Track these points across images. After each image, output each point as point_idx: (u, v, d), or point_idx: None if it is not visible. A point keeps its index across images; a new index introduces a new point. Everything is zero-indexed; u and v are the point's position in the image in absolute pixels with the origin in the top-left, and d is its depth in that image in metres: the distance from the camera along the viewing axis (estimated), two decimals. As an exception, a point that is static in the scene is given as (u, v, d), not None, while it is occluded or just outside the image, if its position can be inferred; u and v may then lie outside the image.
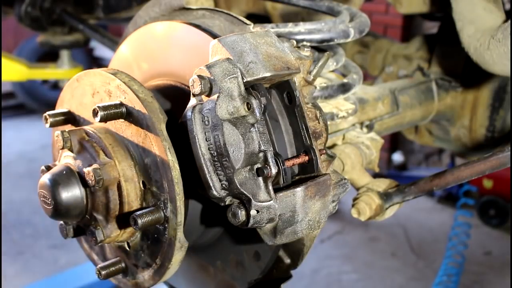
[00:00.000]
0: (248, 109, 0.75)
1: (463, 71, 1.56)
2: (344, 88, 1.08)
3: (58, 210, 0.84)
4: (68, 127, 0.94)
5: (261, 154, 0.75)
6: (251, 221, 0.75)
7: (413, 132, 1.79)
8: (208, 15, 0.96)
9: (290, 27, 1.01)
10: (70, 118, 0.95)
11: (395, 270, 3.86)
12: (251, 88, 0.75)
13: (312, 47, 1.03)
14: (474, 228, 3.52)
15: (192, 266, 1.11)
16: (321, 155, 0.81)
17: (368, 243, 4.28)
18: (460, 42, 1.20)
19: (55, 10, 2.88)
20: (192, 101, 0.78)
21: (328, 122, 1.03)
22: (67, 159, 0.89)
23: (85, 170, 0.83)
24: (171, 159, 0.79)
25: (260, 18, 1.77)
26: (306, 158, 0.79)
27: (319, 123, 0.82)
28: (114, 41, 2.92)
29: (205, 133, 0.76)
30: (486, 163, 1.00)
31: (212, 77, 0.75)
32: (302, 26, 1.01)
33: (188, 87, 0.78)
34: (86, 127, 0.88)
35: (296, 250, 0.99)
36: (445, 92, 1.59)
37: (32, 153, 6.00)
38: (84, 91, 0.92)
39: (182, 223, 0.82)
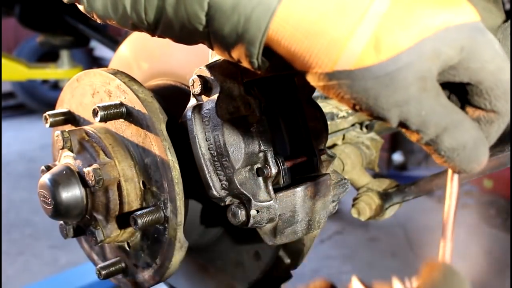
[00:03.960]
0: (248, 109, 0.75)
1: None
2: (344, 88, 1.08)
3: (58, 210, 0.85)
4: (68, 127, 0.94)
5: (261, 154, 0.75)
6: (251, 221, 0.75)
7: (413, 132, 1.79)
8: (208, 15, 0.95)
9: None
10: (70, 118, 0.95)
11: (395, 270, 3.85)
12: (251, 87, 0.75)
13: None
14: (474, 228, 3.52)
15: (192, 266, 1.11)
16: (321, 155, 0.82)
17: (368, 243, 4.28)
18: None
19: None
20: (192, 101, 0.78)
21: (328, 122, 1.03)
22: (67, 159, 0.89)
23: (85, 170, 0.83)
24: (171, 159, 0.79)
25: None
26: (306, 158, 0.79)
27: (319, 123, 0.82)
28: (114, 41, 2.93)
29: (205, 133, 0.76)
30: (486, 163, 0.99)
31: (212, 77, 0.75)
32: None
33: (188, 87, 0.79)
34: (86, 127, 0.88)
35: (296, 250, 0.99)
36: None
37: (32, 153, 6.00)
38: (84, 91, 0.92)
39: (182, 223, 0.82)
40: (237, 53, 0.59)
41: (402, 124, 0.55)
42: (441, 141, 0.55)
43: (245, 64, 0.60)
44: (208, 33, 0.59)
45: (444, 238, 0.62)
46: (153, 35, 0.65)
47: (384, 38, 0.51)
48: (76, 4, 0.65)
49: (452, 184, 0.61)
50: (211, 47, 0.62)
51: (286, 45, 0.55)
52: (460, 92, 0.58)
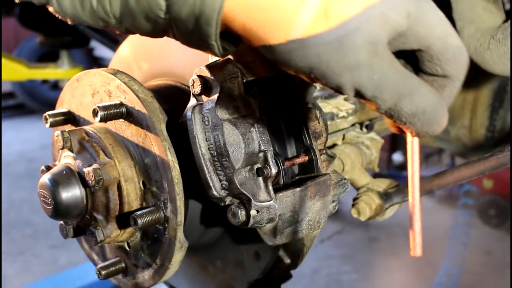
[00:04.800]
0: (248, 109, 0.75)
1: (463, 71, 1.55)
2: (344, 88, 1.08)
3: (58, 210, 0.84)
4: (68, 127, 0.94)
5: (261, 154, 0.75)
6: (251, 221, 0.75)
7: (413, 132, 1.79)
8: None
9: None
10: (70, 118, 0.95)
11: (395, 270, 3.86)
12: (251, 88, 0.75)
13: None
14: (474, 228, 3.53)
15: (192, 266, 1.11)
16: (321, 155, 0.82)
17: (368, 243, 4.28)
18: (460, 42, 1.20)
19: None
20: (192, 101, 0.78)
21: (328, 122, 1.03)
22: (67, 159, 0.89)
23: (85, 170, 0.83)
24: (171, 159, 0.79)
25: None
26: (306, 158, 0.79)
27: (319, 123, 0.82)
28: (114, 41, 2.93)
29: (205, 133, 0.76)
30: (486, 163, 0.99)
31: (212, 77, 0.75)
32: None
33: (188, 87, 0.79)
34: (86, 127, 0.88)
35: (296, 250, 0.99)
36: (445, 92, 1.58)
37: (32, 153, 6.00)
38: (84, 91, 0.92)
39: (182, 223, 0.82)
40: (197, 38, 0.60)
41: (358, 93, 0.56)
42: (401, 108, 0.57)
43: (206, 50, 0.62)
44: (169, 20, 0.60)
45: (412, 204, 0.64)
46: (120, 30, 0.66)
47: (332, 5, 0.54)
48: (47, 6, 0.65)
49: (413, 148, 0.63)
50: (175, 37, 0.63)
51: (241, 21, 0.57)
52: (413, 62, 0.60)
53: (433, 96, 0.58)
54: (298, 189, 0.76)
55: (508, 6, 1.51)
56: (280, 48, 0.56)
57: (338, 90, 0.57)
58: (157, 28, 0.63)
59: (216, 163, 0.76)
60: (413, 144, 0.63)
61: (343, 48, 0.54)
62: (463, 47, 0.59)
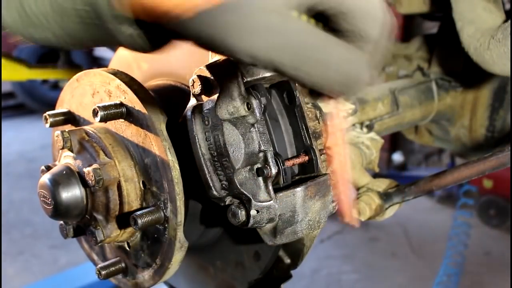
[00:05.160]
0: (248, 109, 0.75)
1: (463, 71, 1.56)
2: (344, 88, 1.08)
3: (58, 210, 0.85)
4: (68, 127, 0.94)
5: (261, 154, 0.75)
6: (251, 221, 0.75)
7: (413, 132, 1.79)
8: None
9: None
10: (70, 118, 0.95)
11: (395, 270, 3.86)
12: (251, 88, 0.75)
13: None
14: (474, 228, 3.53)
15: (192, 266, 1.11)
16: (321, 155, 0.82)
17: (368, 243, 4.28)
18: (460, 42, 1.20)
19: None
20: (192, 101, 0.78)
21: (328, 122, 1.03)
22: (67, 159, 0.89)
23: (85, 170, 0.83)
24: (171, 159, 0.79)
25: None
26: (306, 158, 0.79)
27: (319, 123, 0.82)
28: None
29: (205, 133, 0.76)
30: (486, 163, 0.99)
31: (212, 77, 0.75)
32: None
33: (188, 87, 0.79)
34: (86, 127, 0.88)
35: (296, 250, 0.99)
36: (445, 92, 1.59)
37: (32, 153, 6.00)
38: (84, 91, 0.92)
39: (182, 223, 0.82)
40: (100, 27, 0.56)
41: (257, 59, 0.53)
42: (308, 72, 0.54)
43: (114, 40, 0.58)
44: (88, 13, 0.56)
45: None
46: (64, 44, 0.62)
47: None
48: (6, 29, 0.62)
49: (336, 121, 0.61)
50: (99, 35, 0.59)
51: (149, 1, 0.54)
52: (330, 28, 0.57)
53: (344, 50, 0.55)
54: (298, 189, 0.76)
55: (508, 6, 1.51)
56: (191, 24, 0.53)
57: (237, 58, 0.54)
58: (90, 29, 0.58)
59: (216, 163, 0.76)
60: (335, 117, 0.60)
61: (241, 12, 0.51)
62: (380, 5, 0.56)
